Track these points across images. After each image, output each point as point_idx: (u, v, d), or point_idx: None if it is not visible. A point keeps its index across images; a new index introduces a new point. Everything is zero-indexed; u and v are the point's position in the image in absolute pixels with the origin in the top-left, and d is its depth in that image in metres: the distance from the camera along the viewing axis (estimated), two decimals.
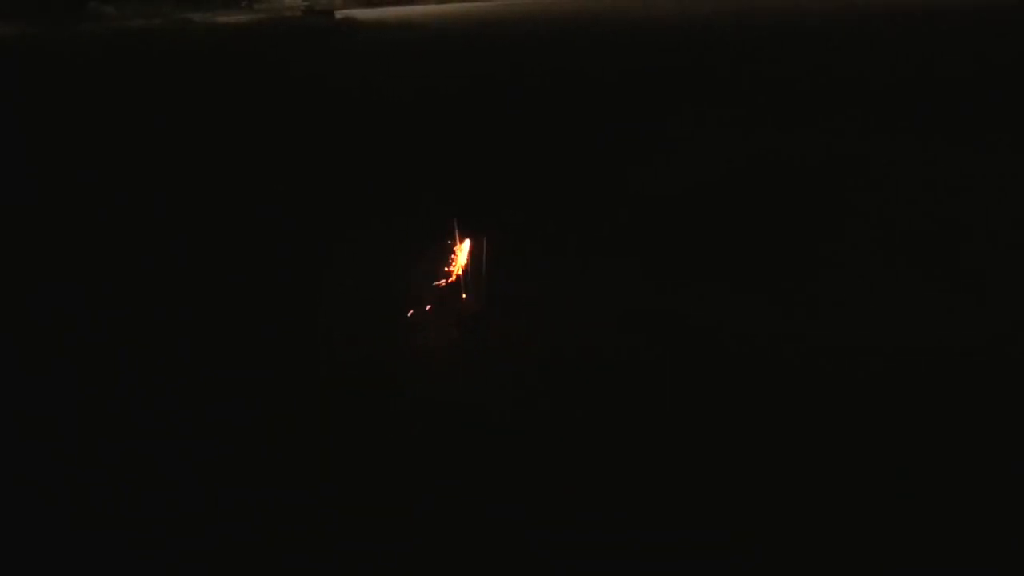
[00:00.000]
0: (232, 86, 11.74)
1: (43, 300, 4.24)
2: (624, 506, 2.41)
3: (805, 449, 2.58)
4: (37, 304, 4.10)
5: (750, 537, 2.27)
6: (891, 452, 2.66)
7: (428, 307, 3.58)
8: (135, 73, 13.07)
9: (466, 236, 3.64)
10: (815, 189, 5.48)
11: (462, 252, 3.68)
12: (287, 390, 3.08)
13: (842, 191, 5.37)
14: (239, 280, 4.15)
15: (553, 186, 5.71)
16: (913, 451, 2.63)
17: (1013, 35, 12.13)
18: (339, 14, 24.07)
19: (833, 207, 5.07)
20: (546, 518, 2.27)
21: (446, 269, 3.69)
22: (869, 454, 2.60)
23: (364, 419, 2.79)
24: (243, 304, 3.93)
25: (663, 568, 2.19)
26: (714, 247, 4.42)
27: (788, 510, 2.52)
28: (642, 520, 2.32)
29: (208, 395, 3.10)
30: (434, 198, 5.14)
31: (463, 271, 3.74)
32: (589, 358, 3.19)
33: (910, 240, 4.60)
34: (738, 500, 2.39)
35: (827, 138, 6.76)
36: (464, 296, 3.65)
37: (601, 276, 3.97)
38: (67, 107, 9.56)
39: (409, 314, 3.58)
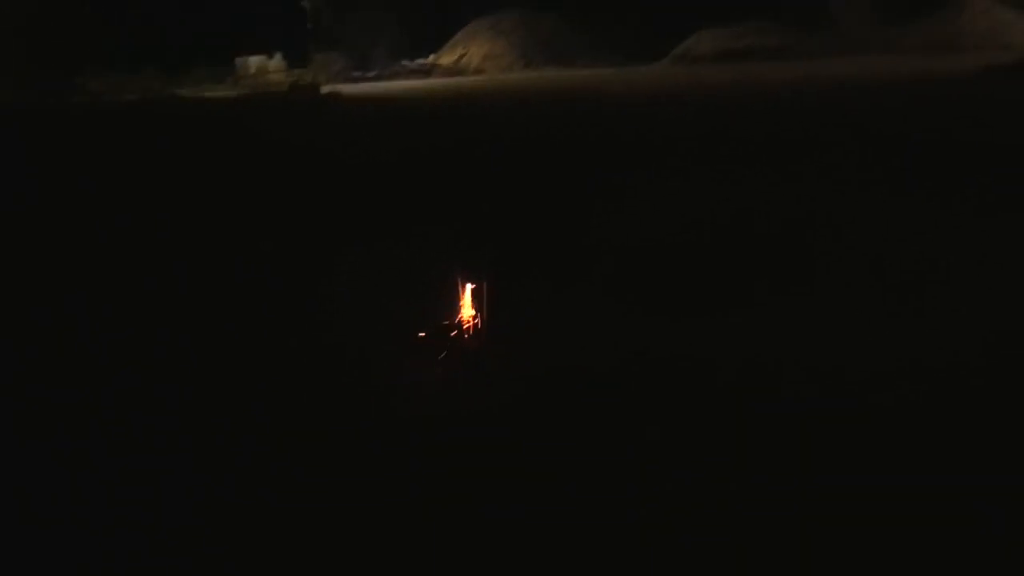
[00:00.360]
0: (220, 151, 13.58)
1: (45, 313, 4.91)
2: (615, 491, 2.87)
3: (799, 466, 3.11)
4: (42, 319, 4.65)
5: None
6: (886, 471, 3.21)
7: (433, 356, 4.19)
8: (126, 141, 15.14)
9: (465, 284, 4.31)
10: (804, 237, 6.37)
11: (464, 302, 4.43)
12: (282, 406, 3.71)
13: (831, 238, 6.18)
14: (232, 333, 4.88)
15: (541, 235, 6.74)
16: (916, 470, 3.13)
17: (978, 104, 14.64)
18: (324, 89, 27.95)
19: (824, 253, 5.88)
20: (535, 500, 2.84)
21: (447, 320, 4.49)
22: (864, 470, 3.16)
23: (361, 428, 3.52)
24: (239, 354, 4.43)
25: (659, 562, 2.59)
26: (702, 292, 5.21)
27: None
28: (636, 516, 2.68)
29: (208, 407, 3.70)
30: (425, 250, 5.98)
31: (466, 320, 4.50)
32: (583, 380, 3.78)
33: (903, 282, 5.39)
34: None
35: (814, 190, 7.54)
36: (466, 339, 4.21)
37: (592, 318, 4.72)
38: (61, 172, 11.22)
39: (410, 359, 4.28)
